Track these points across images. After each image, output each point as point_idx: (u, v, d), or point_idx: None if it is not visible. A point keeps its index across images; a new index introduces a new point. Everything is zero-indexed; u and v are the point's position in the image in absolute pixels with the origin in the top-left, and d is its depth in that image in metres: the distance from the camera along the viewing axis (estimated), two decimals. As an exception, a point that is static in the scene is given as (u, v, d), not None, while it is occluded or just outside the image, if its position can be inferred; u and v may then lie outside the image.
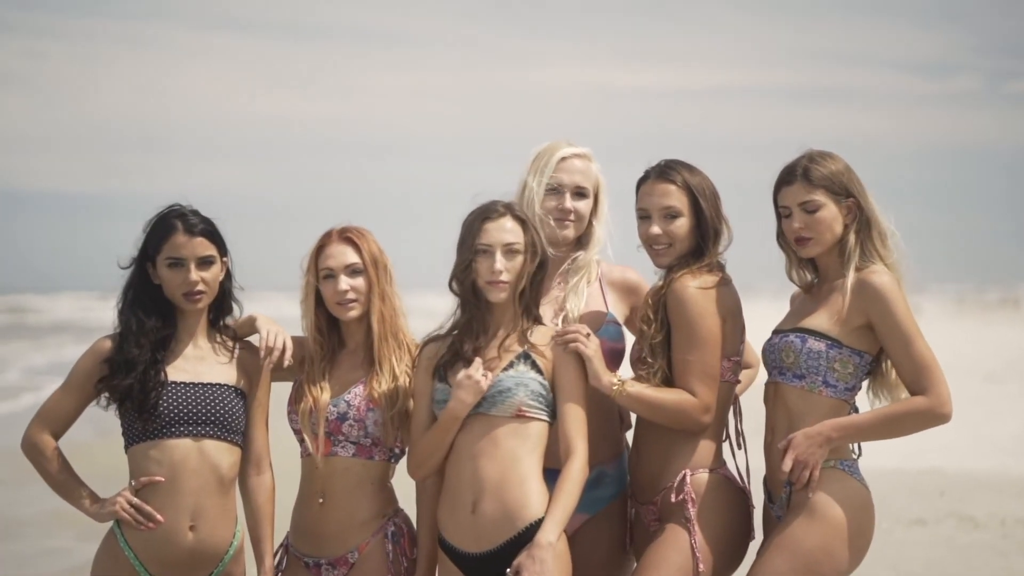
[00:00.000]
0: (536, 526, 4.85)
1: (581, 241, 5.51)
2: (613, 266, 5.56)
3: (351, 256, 5.22)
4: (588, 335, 5.04)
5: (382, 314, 5.20)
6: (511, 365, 4.98)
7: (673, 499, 5.03)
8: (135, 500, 4.98)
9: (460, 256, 5.04)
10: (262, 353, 5.11)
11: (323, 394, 5.15)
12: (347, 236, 5.26)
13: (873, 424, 4.94)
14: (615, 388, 4.99)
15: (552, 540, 4.81)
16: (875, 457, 5.19)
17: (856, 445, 5.05)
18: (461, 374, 4.92)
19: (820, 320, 5.01)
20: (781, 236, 5.12)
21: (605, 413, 5.26)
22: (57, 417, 5.09)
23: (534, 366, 5.00)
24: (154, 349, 5.04)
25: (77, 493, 5.09)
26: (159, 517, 4.97)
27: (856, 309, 4.95)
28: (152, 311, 5.07)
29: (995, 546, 10.72)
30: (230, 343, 5.16)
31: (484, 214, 5.04)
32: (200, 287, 5.04)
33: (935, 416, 4.91)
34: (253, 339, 5.23)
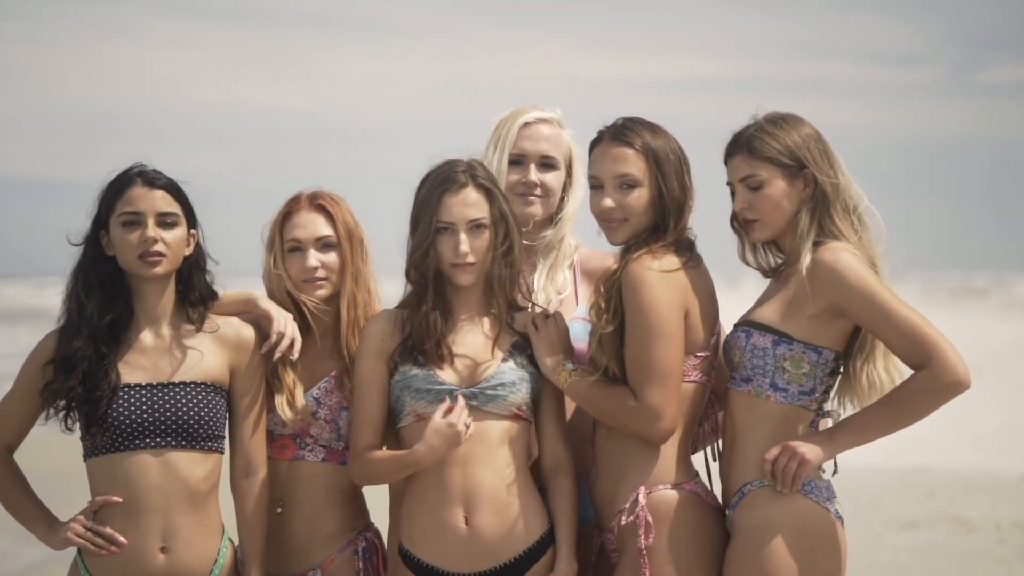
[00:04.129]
0: (543, 541, 4.38)
1: (554, 220, 4.88)
2: (594, 252, 4.92)
3: (323, 227, 4.61)
4: (548, 316, 4.47)
5: (353, 297, 4.59)
6: (510, 355, 4.41)
7: (624, 521, 4.36)
8: (90, 524, 4.37)
9: (417, 237, 4.42)
10: (273, 338, 4.47)
11: (296, 387, 4.55)
12: (319, 203, 4.64)
13: (880, 415, 4.26)
14: (556, 374, 4.39)
15: (576, 567, 4.38)
16: (856, 455, 4.68)
17: (832, 461, 4.35)
18: (440, 419, 4.29)
19: (768, 311, 4.33)
20: (734, 217, 4.46)
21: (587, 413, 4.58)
22: (8, 428, 4.49)
23: (531, 359, 4.44)
24: (98, 339, 4.38)
25: (31, 515, 4.49)
26: (121, 539, 4.35)
27: (814, 295, 4.24)
28: (97, 291, 4.40)
29: (993, 552, 10.43)
30: (203, 326, 4.47)
31: (442, 184, 4.40)
32: (159, 247, 4.36)
33: (946, 387, 4.16)
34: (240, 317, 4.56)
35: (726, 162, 4.42)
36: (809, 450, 4.25)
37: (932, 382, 4.18)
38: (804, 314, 4.26)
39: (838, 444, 4.29)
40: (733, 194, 4.42)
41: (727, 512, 4.37)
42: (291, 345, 4.48)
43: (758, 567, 4.23)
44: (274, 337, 4.47)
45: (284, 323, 4.49)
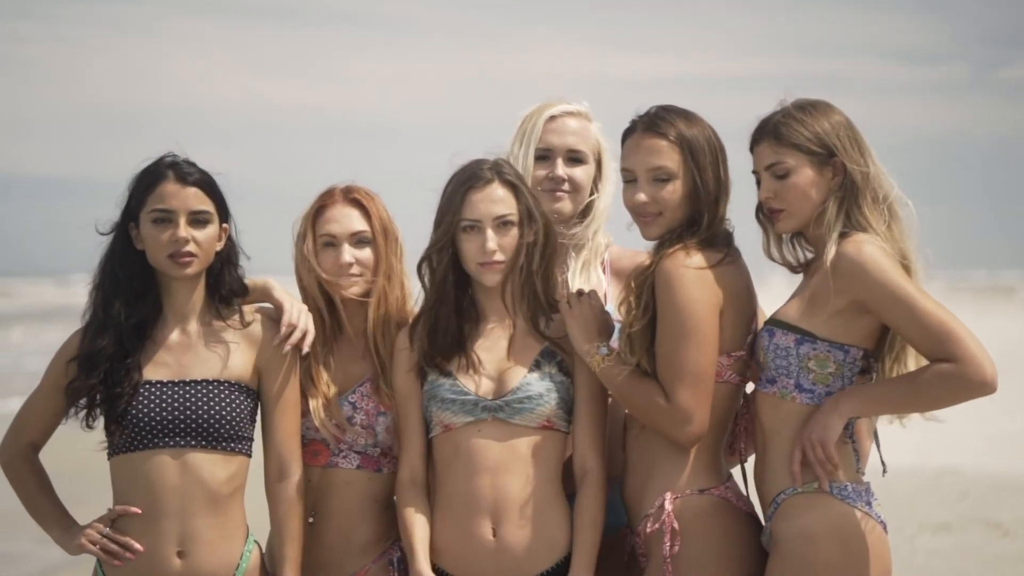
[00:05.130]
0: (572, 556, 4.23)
1: (585, 217, 4.73)
2: (624, 251, 4.77)
3: (358, 222, 4.47)
4: (582, 295, 4.31)
5: (385, 295, 4.44)
6: (537, 365, 4.25)
7: (649, 528, 4.20)
8: (106, 530, 4.25)
9: (438, 234, 4.29)
10: (282, 331, 4.32)
11: (330, 390, 4.41)
12: (353, 197, 4.50)
13: (894, 392, 4.07)
14: (590, 357, 4.22)
15: None
16: (887, 456, 4.37)
17: (880, 461, 4.22)
18: None
19: (791, 308, 4.15)
20: (759, 209, 4.28)
21: (620, 417, 4.43)
22: (34, 425, 4.38)
23: (561, 367, 4.27)
24: (123, 338, 4.26)
25: (48, 517, 4.38)
26: (137, 547, 4.22)
27: (836, 290, 4.05)
28: (125, 288, 4.27)
29: (1028, 557, 10.36)
30: (235, 324, 4.33)
31: (467, 181, 4.28)
32: (190, 247, 4.23)
33: (971, 385, 3.96)
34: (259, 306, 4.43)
35: (752, 149, 4.25)
36: (822, 431, 4.07)
37: (957, 377, 3.98)
38: (827, 311, 4.09)
39: (845, 411, 4.08)
40: (758, 183, 4.25)
41: (765, 524, 4.21)
42: (303, 338, 4.34)
43: None
44: (284, 329, 4.33)
45: (297, 314, 4.35)
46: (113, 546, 4.22)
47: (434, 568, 4.25)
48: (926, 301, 4.02)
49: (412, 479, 4.31)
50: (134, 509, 4.21)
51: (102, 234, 4.33)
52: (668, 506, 4.16)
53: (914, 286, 4.06)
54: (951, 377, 3.98)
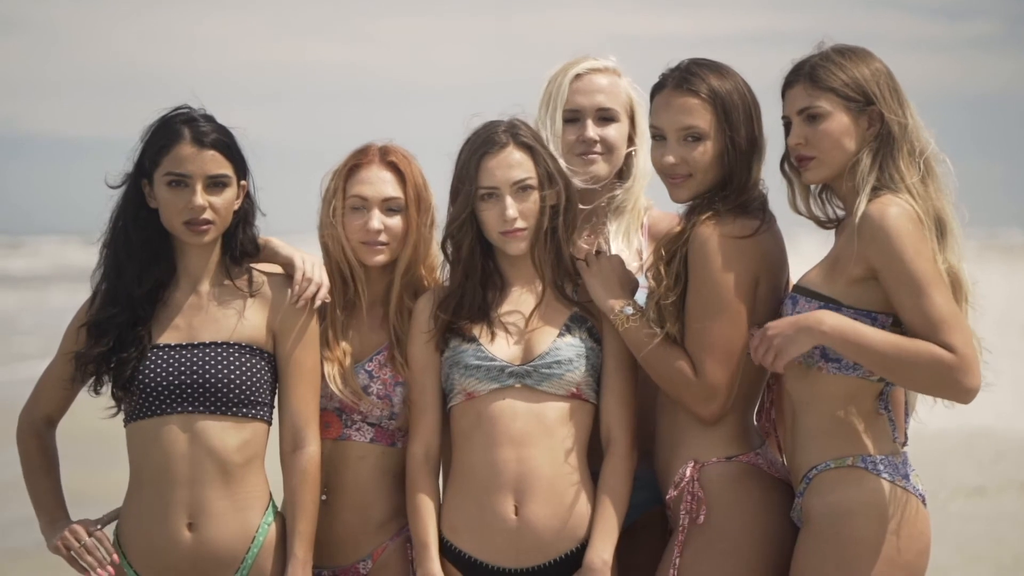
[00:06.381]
0: None
1: (622, 178, 4.52)
2: (664, 215, 4.54)
3: (391, 188, 4.28)
4: (599, 252, 4.17)
5: (410, 265, 4.28)
6: (567, 329, 4.09)
7: (669, 496, 4.06)
8: (85, 540, 4.09)
9: (457, 206, 4.12)
10: (295, 288, 4.14)
11: (346, 357, 4.24)
12: (390, 160, 4.31)
13: (880, 346, 3.84)
14: (615, 315, 4.06)
15: (607, 559, 4.01)
16: (917, 418, 4.26)
17: (904, 432, 4.03)
18: None
19: (815, 273, 3.98)
20: (786, 158, 4.08)
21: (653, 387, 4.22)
22: (50, 396, 4.25)
23: (591, 333, 4.11)
24: (135, 306, 4.11)
25: (41, 503, 4.24)
26: (109, 569, 4.07)
27: (858, 253, 3.88)
28: (138, 251, 4.12)
29: (1066, 520, 10.27)
30: (244, 284, 4.17)
31: (482, 147, 4.11)
32: (207, 215, 4.06)
33: (955, 384, 3.79)
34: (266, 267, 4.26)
35: (784, 93, 4.07)
36: (783, 343, 3.89)
37: (948, 370, 3.80)
38: (853, 275, 3.92)
39: (819, 337, 3.88)
40: (787, 129, 4.06)
41: (796, 499, 4.05)
42: (318, 292, 4.17)
43: (833, 557, 3.92)
44: (296, 288, 4.15)
45: (310, 267, 4.18)
46: (88, 558, 4.08)
47: (449, 547, 4.11)
48: (937, 291, 3.85)
49: (426, 455, 4.16)
50: (115, 557, 4.09)
51: (112, 187, 4.18)
52: (688, 473, 4.03)
53: (931, 271, 3.87)
54: (941, 367, 3.81)
